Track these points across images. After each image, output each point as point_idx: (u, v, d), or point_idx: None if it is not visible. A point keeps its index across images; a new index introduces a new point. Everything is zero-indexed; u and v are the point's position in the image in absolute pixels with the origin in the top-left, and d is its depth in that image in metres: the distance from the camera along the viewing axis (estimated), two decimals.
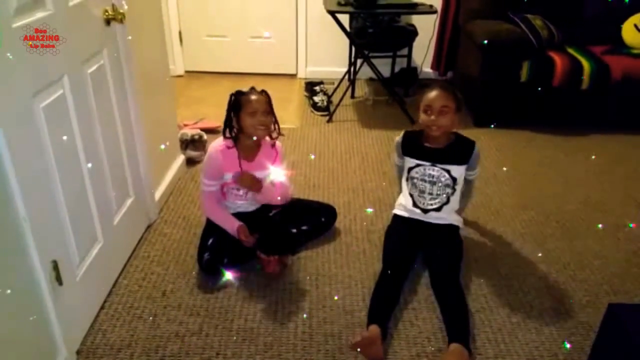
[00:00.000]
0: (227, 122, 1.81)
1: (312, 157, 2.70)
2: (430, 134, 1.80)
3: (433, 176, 1.84)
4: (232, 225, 1.85)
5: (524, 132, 3.07)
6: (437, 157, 1.83)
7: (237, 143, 1.82)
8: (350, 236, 2.08)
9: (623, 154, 2.85)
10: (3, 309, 1.20)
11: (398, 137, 1.94)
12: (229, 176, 1.84)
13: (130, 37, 1.80)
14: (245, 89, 1.79)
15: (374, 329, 1.53)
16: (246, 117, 1.75)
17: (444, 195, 1.85)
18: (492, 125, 3.05)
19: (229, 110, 1.80)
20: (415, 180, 1.87)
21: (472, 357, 1.51)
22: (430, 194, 1.85)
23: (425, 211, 1.87)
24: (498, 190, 2.44)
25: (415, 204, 1.89)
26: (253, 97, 1.75)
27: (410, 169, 1.88)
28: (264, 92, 1.79)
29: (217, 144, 1.84)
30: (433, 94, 1.77)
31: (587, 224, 2.20)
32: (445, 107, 1.74)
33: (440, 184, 1.84)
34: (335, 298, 1.74)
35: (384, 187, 2.43)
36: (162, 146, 2.19)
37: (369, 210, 2.22)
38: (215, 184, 1.85)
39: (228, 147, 1.81)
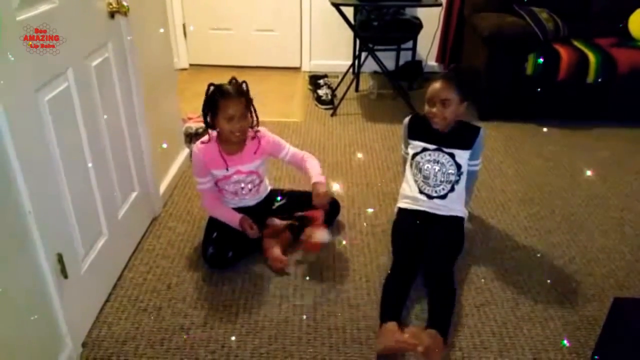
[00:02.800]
0: (205, 115, 1.75)
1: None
2: (433, 125, 1.82)
3: (438, 161, 1.84)
4: (234, 219, 1.85)
5: (529, 125, 3.05)
6: (442, 140, 1.84)
7: (218, 137, 1.79)
8: (355, 230, 2.07)
9: (629, 147, 2.83)
10: (8, 302, 1.20)
11: (405, 120, 1.95)
12: (218, 172, 1.82)
13: (132, 33, 1.79)
14: (225, 85, 1.71)
15: (392, 326, 1.52)
16: (222, 121, 1.70)
17: (448, 183, 1.85)
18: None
19: (205, 103, 1.73)
20: (420, 165, 1.87)
21: (448, 347, 1.51)
22: (435, 179, 1.85)
23: (430, 197, 1.87)
24: (503, 183, 2.43)
25: (420, 191, 1.89)
26: (231, 101, 1.67)
27: (415, 155, 1.89)
28: (242, 91, 1.71)
29: (199, 140, 1.82)
30: (435, 85, 1.78)
31: (592, 217, 2.19)
32: (447, 100, 1.75)
33: (444, 170, 1.84)
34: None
35: (387, 181, 2.43)
36: (164, 145, 2.18)
37: (369, 210, 2.21)
38: (207, 180, 1.84)
39: (208, 142, 1.78)
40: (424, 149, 1.87)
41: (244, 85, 1.75)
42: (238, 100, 1.69)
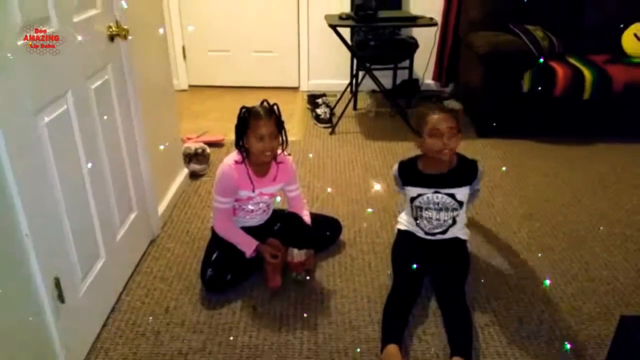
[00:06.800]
0: (237, 137, 1.76)
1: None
2: (440, 158, 1.71)
3: (438, 203, 1.79)
4: (249, 246, 1.80)
5: (527, 142, 3.06)
6: (439, 183, 1.78)
7: (247, 158, 1.79)
8: (355, 249, 2.05)
9: (628, 163, 2.83)
10: (4, 327, 1.18)
11: (393, 169, 1.87)
12: (244, 193, 1.82)
13: (132, 56, 1.80)
14: (256, 106, 1.73)
15: (393, 349, 1.50)
16: (253, 140, 1.71)
17: (450, 219, 1.81)
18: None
19: (237, 124, 1.75)
20: (420, 211, 1.82)
21: None
22: (438, 220, 1.81)
23: (431, 234, 1.84)
24: (503, 201, 2.42)
25: (420, 227, 1.85)
26: (261, 121, 1.70)
27: (413, 199, 1.82)
28: (273, 112, 1.73)
29: (229, 160, 1.80)
30: (438, 116, 1.68)
31: (594, 234, 2.17)
32: (453, 129, 1.68)
33: (447, 210, 1.79)
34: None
35: (388, 198, 2.42)
36: (162, 147, 2.16)
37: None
38: (230, 201, 1.82)
39: (239, 163, 1.79)
40: (420, 194, 1.80)
41: (275, 107, 1.76)
42: (268, 120, 1.72)
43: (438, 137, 1.68)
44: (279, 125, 1.75)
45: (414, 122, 1.82)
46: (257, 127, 1.70)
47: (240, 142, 1.76)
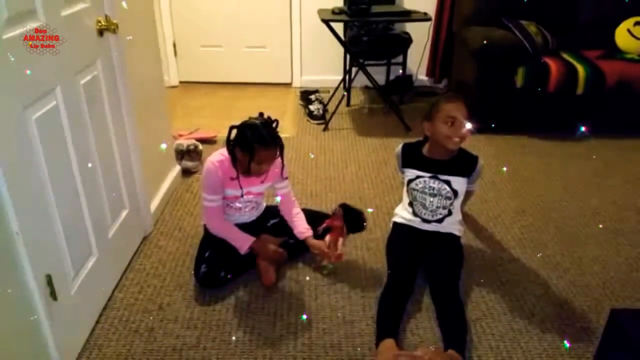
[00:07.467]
0: (232, 143, 1.72)
1: (312, 156, 2.69)
2: (448, 146, 1.74)
3: (433, 188, 1.81)
4: (244, 243, 1.80)
5: (521, 137, 3.07)
6: (437, 168, 1.81)
7: (236, 159, 1.76)
8: (349, 245, 2.05)
9: (620, 158, 2.85)
10: None
11: (397, 149, 1.92)
12: (231, 192, 1.81)
13: (122, 51, 1.78)
14: (262, 130, 1.64)
15: (390, 343, 1.50)
16: (253, 163, 1.69)
17: (444, 209, 1.83)
18: (492, 125, 3.03)
19: (235, 141, 1.70)
20: (415, 193, 1.85)
21: None
22: (432, 205, 1.83)
23: (427, 221, 1.86)
24: (496, 196, 2.43)
25: (415, 214, 1.87)
26: (269, 151, 1.68)
27: (410, 181, 1.86)
28: (277, 138, 1.70)
29: (214, 157, 1.79)
30: (454, 104, 1.70)
31: (586, 229, 2.19)
32: (466, 118, 1.69)
33: (441, 197, 1.81)
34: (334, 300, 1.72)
35: (381, 195, 2.42)
36: (164, 145, 2.15)
37: (370, 210, 2.21)
38: (218, 198, 1.80)
39: (226, 160, 1.77)
40: (418, 177, 1.84)
41: (275, 123, 1.71)
42: (274, 149, 1.70)
43: (451, 125, 1.70)
44: (281, 150, 1.74)
45: (423, 110, 1.84)
46: (261, 154, 1.67)
47: (233, 151, 1.73)
